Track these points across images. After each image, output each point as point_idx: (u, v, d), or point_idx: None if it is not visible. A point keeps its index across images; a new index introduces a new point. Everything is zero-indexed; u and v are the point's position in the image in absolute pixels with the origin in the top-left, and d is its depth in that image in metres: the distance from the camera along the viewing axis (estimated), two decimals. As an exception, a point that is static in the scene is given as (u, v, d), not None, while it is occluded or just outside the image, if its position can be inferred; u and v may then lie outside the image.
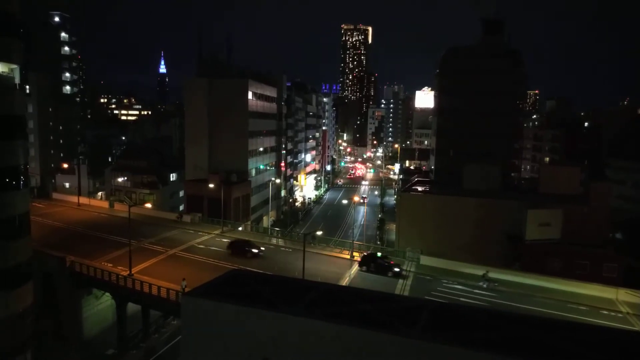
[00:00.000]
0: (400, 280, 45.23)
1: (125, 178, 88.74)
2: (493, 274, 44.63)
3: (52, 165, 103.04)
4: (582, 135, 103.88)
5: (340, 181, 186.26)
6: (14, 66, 36.81)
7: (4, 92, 35.48)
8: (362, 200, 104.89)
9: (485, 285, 43.56)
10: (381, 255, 49.86)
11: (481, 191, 60.50)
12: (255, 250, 51.42)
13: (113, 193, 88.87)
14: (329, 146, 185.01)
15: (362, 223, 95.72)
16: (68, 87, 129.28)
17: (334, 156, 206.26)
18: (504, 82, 76.06)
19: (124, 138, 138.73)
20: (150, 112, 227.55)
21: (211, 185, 70.94)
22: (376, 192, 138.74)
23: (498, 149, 74.79)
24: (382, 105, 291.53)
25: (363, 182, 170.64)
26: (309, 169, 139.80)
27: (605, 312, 38.91)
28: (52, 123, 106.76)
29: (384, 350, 15.72)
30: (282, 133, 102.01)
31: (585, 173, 73.28)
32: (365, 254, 49.98)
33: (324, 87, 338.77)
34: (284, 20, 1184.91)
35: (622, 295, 41.49)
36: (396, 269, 46.48)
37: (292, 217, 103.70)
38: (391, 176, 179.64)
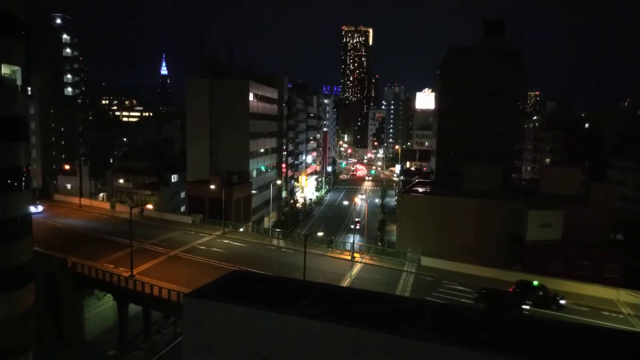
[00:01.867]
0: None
1: (127, 179, 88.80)
2: (492, 275, 44.54)
3: (54, 166, 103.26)
4: (583, 136, 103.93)
5: (343, 177, 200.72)
6: (16, 68, 36.90)
7: (6, 93, 35.61)
8: (355, 226, 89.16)
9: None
10: (538, 283, 40.03)
11: (482, 192, 60.48)
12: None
13: (114, 194, 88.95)
14: (329, 147, 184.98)
15: (363, 224, 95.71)
16: (70, 89, 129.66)
17: (335, 157, 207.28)
18: (505, 82, 76.10)
19: (125, 139, 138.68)
20: (151, 114, 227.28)
21: (212, 186, 71.02)
22: (377, 200, 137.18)
23: (499, 150, 74.79)
24: (383, 107, 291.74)
25: (360, 194, 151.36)
26: (309, 170, 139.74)
27: (606, 313, 38.86)
28: (53, 124, 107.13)
29: (386, 351, 15.77)
30: (283, 134, 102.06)
31: (586, 174, 73.25)
32: (518, 282, 40.74)
33: (324, 89, 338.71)
34: (285, 22, 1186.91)
35: (623, 296, 41.44)
36: (562, 301, 38.95)
37: (293, 218, 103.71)
38: (393, 178, 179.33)
